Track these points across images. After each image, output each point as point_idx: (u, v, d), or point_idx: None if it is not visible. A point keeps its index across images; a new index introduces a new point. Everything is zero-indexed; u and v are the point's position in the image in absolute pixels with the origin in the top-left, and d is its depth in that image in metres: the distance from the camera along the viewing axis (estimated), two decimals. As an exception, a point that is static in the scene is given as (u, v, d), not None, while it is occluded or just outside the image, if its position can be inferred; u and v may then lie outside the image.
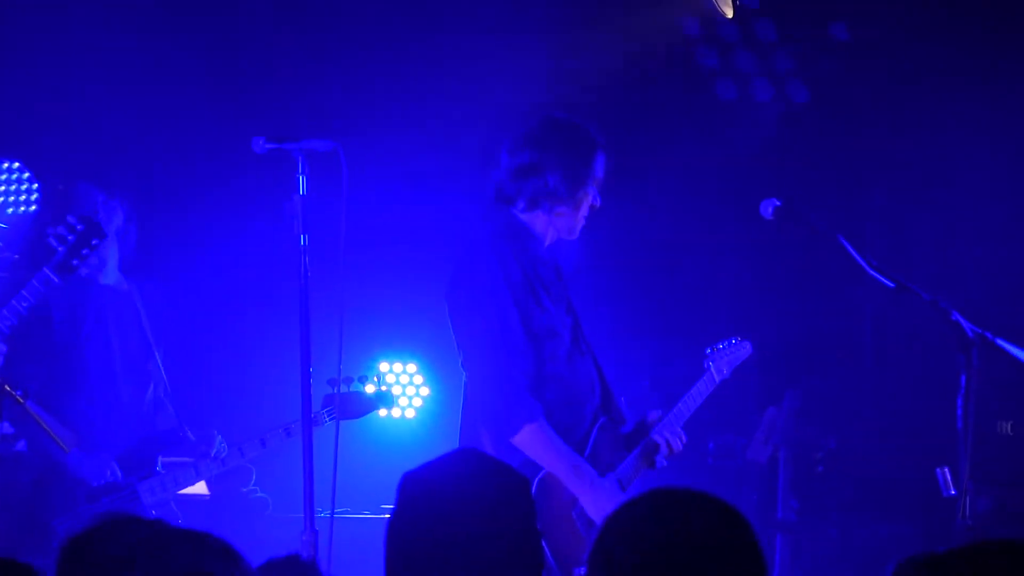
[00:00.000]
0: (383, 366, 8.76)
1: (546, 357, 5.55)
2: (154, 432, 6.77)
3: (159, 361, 6.84)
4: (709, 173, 9.37)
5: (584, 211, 5.71)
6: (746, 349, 6.40)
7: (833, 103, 9.56)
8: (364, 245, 7.37)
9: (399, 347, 8.77)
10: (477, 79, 8.66)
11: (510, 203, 5.68)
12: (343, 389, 6.69)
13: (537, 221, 5.68)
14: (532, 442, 5.42)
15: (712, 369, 6.21)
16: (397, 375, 8.82)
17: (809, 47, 9.53)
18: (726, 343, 6.37)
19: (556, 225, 5.70)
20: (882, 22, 9.35)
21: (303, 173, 5.41)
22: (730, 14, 9.32)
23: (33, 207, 7.93)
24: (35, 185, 7.98)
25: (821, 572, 8.87)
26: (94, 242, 6.07)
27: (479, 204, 5.82)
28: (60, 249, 6.05)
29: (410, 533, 3.34)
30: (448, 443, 5.68)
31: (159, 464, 6.61)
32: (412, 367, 8.84)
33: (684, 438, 5.85)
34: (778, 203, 5.79)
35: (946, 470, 5.70)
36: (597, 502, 5.48)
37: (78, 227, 6.07)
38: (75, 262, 6.06)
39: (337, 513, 5.51)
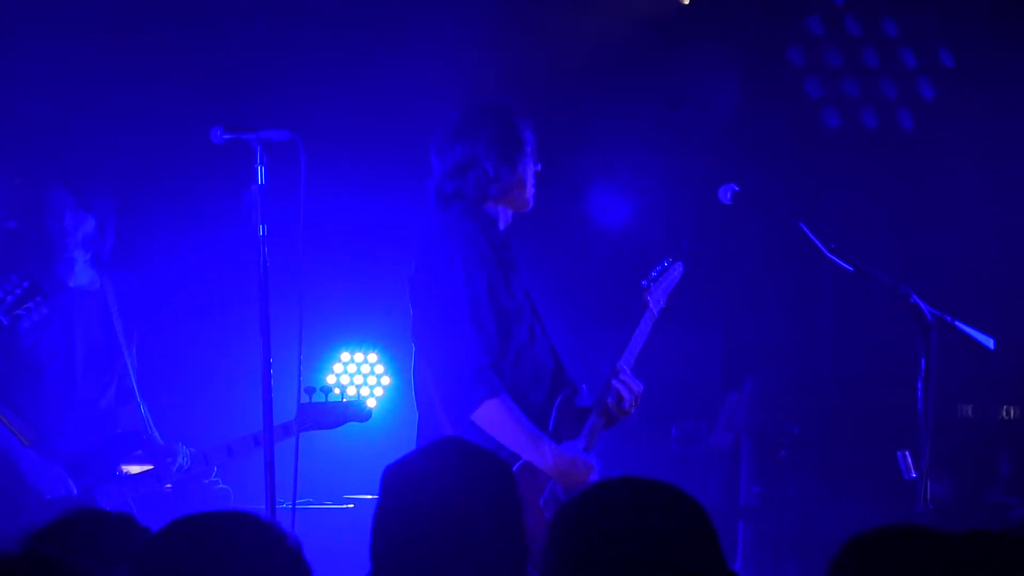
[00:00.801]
0: (344, 355, 8.73)
1: (514, 335, 5.53)
2: (115, 434, 6.72)
3: (128, 360, 6.79)
4: (666, 157, 9.37)
5: (531, 180, 5.69)
6: (678, 269, 6.05)
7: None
8: (323, 235, 7.35)
9: (360, 337, 8.74)
10: (442, 67, 8.61)
11: (460, 200, 5.65)
12: (318, 399, 6.67)
13: (490, 210, 5.66)
14: (492, 417, 5.37)
15: (651, 303, 5.94)
16: (358, 365, 8.79)
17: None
18: (658, 269, 6.03)
19: (511, 206, 5.69)
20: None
21: (261, 163, 5.39)
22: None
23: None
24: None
25: (784, 557, 8.89)
26: (38, 299, 6.30)
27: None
28: (8, 298, 6.25)
29: (396, 525, 3.34)
30: (410, 432, 5.66)
31: (118, 470, 6.58)
32: (373, 357, 8.80)
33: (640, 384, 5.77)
34: (737, 188, 5.80)
35: (907, 453, 5.73)
36: (561, 470, 5.45)
37: (23, 283, 6.28)
38: (21, 312, 6.28)
39: (299, 504, 5.50)
